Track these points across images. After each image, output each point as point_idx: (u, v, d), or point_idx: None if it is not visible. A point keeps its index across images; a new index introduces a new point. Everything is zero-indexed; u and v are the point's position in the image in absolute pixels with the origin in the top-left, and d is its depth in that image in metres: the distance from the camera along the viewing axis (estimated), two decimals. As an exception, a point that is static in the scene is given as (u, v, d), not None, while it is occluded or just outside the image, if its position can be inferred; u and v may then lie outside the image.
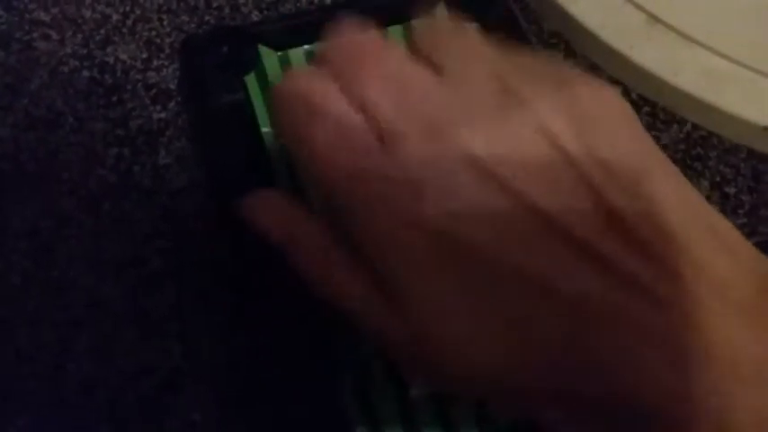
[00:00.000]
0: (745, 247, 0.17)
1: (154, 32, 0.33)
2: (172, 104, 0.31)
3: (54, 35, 0.33)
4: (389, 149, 0.17)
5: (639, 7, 0.32)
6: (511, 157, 0.17)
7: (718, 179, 0.30)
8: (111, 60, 0.32)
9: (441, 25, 0.22)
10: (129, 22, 0.33)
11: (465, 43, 0.20)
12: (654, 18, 0.32)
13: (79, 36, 0.33)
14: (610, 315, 0.15)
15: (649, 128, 0.31)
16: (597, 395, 0.16)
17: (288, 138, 0.19)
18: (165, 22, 0.33)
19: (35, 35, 0.33)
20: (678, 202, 0.17)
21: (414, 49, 0.20)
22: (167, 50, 0.32)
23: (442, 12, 0.31)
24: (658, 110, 0.31)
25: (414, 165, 0.17)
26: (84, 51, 0.32)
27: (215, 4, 0.34)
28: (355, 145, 0.18)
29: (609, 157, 0.17)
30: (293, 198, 0.20)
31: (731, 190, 0.30)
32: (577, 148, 0.17)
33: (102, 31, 0.33)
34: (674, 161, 0.30)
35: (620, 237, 0.16)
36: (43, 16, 0.33)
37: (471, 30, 0.21)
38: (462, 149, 0.17)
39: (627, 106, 0.18)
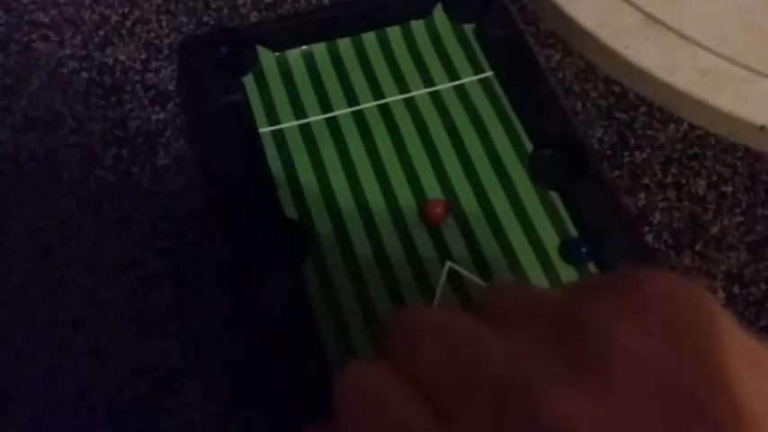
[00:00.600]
0: None
1: (152, 34, 0.33)
2: (170, 105, 0.31)
3: (53, 36, 0.33)
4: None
5: (637, 7, 0.32)
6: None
7: (715, 178, 0.30)
8: (110, 61, 0.32)
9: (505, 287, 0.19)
10: (127, 24, 0.33)
11: (528, 297, 0.18)
12: (651, 18, 0.32)
13: (78, 37, 0.33)
14: None
15: (646, 127, 0.31)
16: None
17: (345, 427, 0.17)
18: (163, 24, 0.33)
19: (34, 36, 0.33)
20: None
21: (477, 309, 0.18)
22: (166, 51, 0.33)
23: (439, 13, 0.31)
24: (655, 109, 0.31)
25: None
26: (83, 52, 0.32)
27: (213, 6, 0.34)
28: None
29: (713, 372, 0.15)
30: None
31: (728, 189, 0.30)
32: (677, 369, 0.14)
33: (101, 33, 0.33)
34: (672, 160, 0.30)
35: None
36: (42, 18, 0.33)
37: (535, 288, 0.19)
38: (561, 418, 0.14)
39: (708, 295, 0.16)
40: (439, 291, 0.25)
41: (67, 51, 0.32)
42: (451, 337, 0.17)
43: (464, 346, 0.16)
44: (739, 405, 0.15)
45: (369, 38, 0.30)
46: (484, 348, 0.16)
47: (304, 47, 0.30)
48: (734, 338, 0.16)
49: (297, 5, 0.34)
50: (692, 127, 0.31)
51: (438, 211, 0.26)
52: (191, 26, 0.33)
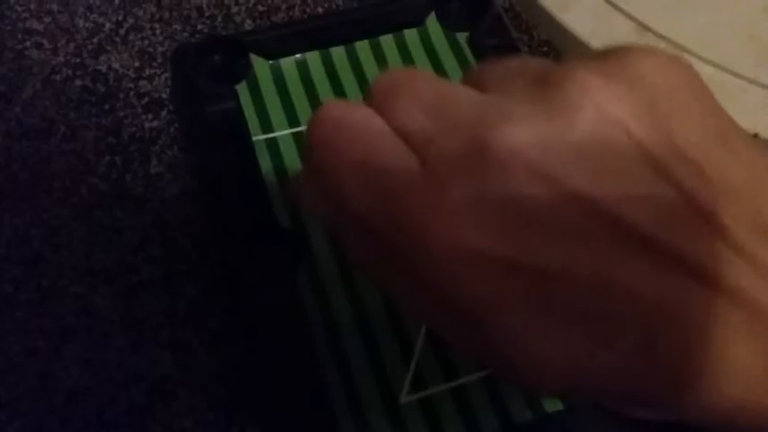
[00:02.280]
0: None
1: (146, 42, 0.33)
2: (164, 113, 0.31)
3: (47, 44, 0.33)
4: (430, 171, 0.16)
5: (629, 16, 0.32)
6: (570, 154, 0.15)
7: (707, 186, 0.30)
8: (104, 69, 0.32)
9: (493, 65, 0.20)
10: (121, 32, 0.33)
11: (508, 63, 0.19)
12: (643, 26, 0.32)
13: (72, 45, 0.33)
14: (692, 320, 0.14)
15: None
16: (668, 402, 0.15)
17: (324, 162, 0.18)
18: (157, 32, 0.33)
19: (28, 44, 0.33)
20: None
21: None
22: (160, 59, 0.33)
23: (433, 22, 0.31)
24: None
25: (459, 184, 0.15)
26: (77, 60, 0.32)
27: (207, 14, 0.34)
28: (399, 166, 0.16)
29: (688, 144, 0.15)
30: None
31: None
32: (649, 135, 0.15)
33: (95, 40, 0.33)
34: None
35: (710, 239, 0.14)
36: (36, 25, 0.33)
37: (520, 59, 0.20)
38: (508, 150, 0.15)
39: (695, 74, 0.16)
40: None
41: (61, 59, 0.32)
42: (428, 92, 0.17)
43: (439, 99, 0.17)
44: (710, 177, 0.15)
45: (362, 46, 0.30)
46: (457, 100, 0.17)
47: (298, 55, 0.30)
48: (719, 122, 0.16)
49: (291, 14, 0.34)
50: (685, 135, 0.31)
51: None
52: (185, 34, 0.33)
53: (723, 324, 0.14)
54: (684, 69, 0.16)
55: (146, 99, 0.31)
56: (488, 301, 0.15)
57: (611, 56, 0.16)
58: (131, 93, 0.32)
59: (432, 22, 0.31)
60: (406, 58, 0.30)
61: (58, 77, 0.32)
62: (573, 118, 0.15)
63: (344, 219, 0.17)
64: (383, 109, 0.17)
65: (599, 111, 0.15)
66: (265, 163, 0.27)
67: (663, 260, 0.14)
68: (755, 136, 0.30)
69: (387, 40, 0.31)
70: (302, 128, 0.28)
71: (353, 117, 0.18)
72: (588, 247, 0.15)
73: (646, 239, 0.15)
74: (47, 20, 0.34)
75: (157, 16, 0.34)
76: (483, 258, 0.15)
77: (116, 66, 0.32)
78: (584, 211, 0.15)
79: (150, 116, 0.31)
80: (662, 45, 0.32)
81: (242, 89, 0.29)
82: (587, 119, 0.15)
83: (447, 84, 0.18)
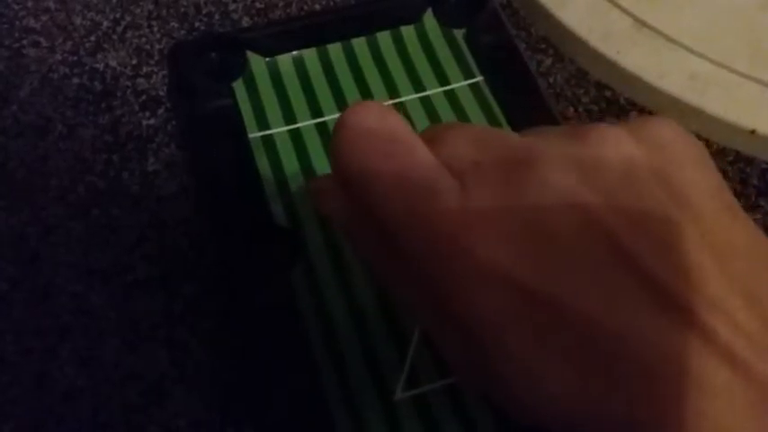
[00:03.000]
0: None
1: (144, 39, 0.33)
2: (161, 111, 0.31)
3: (44, 42, 0.33)
4: (468, 187, 0.16)
5: (626, 12, 0.32)
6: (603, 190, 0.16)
7: (705, 183, 0.30)
8: (101, 67, 0.32)
9: None
10: (119, 29, 0.33)
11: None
12: (640, 23, 0.32)
13: (69, 43, 0.33)
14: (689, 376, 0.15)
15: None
16: None
17: (352, 167, 0.18)
18: (154, 29, 0.33)
19: (25, 42, 0.33)
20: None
21: None
22: (157, 57, 0.33)
23: (430, 18, 0.31)
24: (646, 113, 0.31)
25: (493, 201, 0.16)
26: (74, 58, 0.32)
27: (205, 11, 0.34)
28: (437, 186, 0.17)
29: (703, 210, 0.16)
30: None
31: (719, 194, 0.30)
32: (673, 202, 0.16)
33: (92, 38, 0.33)
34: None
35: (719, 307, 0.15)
36: (33, 23, 0.33)
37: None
38: (548, 176, 0.16)
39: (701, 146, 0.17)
40: None
41: (58, 57, 0.32)
42: (476, 129, 0.18)
43: (486, 134, 0.18)
44: (687, 271, 0.15)
45: (359, 43, 0.30)
46: (504, 137, 0.18)
47: (294, 52, 0.30)
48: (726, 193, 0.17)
49: (288, 11, 0.34)
50: (683, 132, 0.31)
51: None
52: (182, 32, 0.33)
53: (704, 385, 0.15)
54: (697, 144, 0.17)
55: (143, 97, 0.31)
56: (496, 320, 0.16)
57: (633, 121, 0.17)
58: (128, 90, 0.31)
59: (428, 19, 0.31)
60: (403, 54, 0.30)
61: (55, 75, 0.32)
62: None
63: (366, 223, 0.18)
64: (431, 140, 0.18)
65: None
66: (262, 160, 0.27)
67: (670, 312, 0.15)
68: (753, 132, 0.30)
69: (384, 37, 0.31)
70: (299, 125, 0.28)
71: (388, 123, 0.18)
72: (604, 286, 0.15)
73: (659, 286, 0.15)
74: (44, 18, 0.34)
75: (154, 14, 0.34)
76: (501, 276, 0.15)
77: (113, 63, 0.32)
78: (610, 248, 0.15)
79: (147, 114, 0.31)
80: (659, 41, 0.32)
81: (239, 86, 0.29)
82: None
83: (494, 128, 0.19)
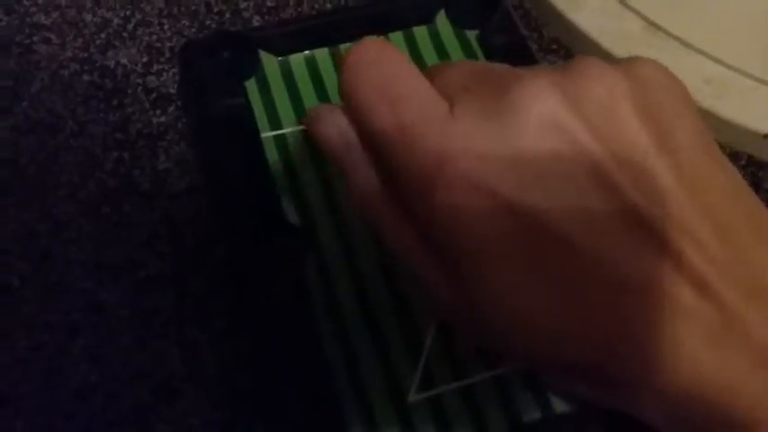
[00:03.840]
0: None
1: (155, 37, 0.33)
2: (172, 109, 0.31)
3: (54, 39, 0.33)
4: (456, 112, 0.17)
5: (639, 14, 0.32)
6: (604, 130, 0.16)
7: (717, 187, 0.30)
8: (112, 64, 0.32)
9: None
10: (129, 27, 0.33)
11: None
12: (654, 25, 0.32)
13: (80, 40, 0.33)
14: (655, 297, 0.15)
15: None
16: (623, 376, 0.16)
17: (364, 96, 0.19)
18: (165, 27, 0.33)
19: (35, 39, 0.33)
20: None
21: None
22: (168, 55, 0.32)
23: (442, 19, 0.31)
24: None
25: (482, 125, 0.17)
26: (85, 55, 0.32)
27: (216, 9, 0.34)
28: (427, 107, 0.18)
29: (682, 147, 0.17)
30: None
31: (731, 197, 0.30)
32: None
33: (103, 35, 0.33)
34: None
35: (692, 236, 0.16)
36: (44, 20, 0.33)
37: None
38: (545, 112, 0.16)
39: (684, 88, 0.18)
40: None
41: (69, 54, 0.32)
42: (469, 63, 0.21)
43: (478, 67, 0.20)
44: (658, 195, 0.16)
45: (371, 43, 0.30)
46: (492, 68, 0.19)
47: (307, 52, 0.30)
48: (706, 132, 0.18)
49: (300, 10, 0.34)
50: (695, 135, 0.31)
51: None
52: (193, 30, 0.33)
53: (674, 308, 0.15)
54: (664, 72, 0.18)
55: (154, 94, 0.31)
56: (477, 233, 0.16)
57: (571, 63, 0.18)
58: (139, 88, 0.31)
59: (441, 20, 0.31)
60: (416, 55, 0.30)
61: (65, 72, 0.32)
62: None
63: (361, 138, 0.19)
64: (430, 72, 0.19)
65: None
66: (273, 159, 0.27)
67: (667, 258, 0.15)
68: (766, 136, 0.30)
69: (396, 37, 0.31)
70: (311, 125, 0.28)
71: (394, 55, 0.19)
72: (583, 208, 0.16)
73: (636, 213, 0.16)
74: (54, 14, 0.34)
75: (165, 11, 0.34)
76: (484, 189, 0.16)
77: (124, 61, 0.32)
78: (591, 173, 0.16)
79: (158, 112, 0.31)
80: (672, 44, 0.32)
81: (250, 85, 0.29)
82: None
83: (491, 62, 0.21)
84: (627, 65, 0.18)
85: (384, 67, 0.19)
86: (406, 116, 0.18)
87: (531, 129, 0.16)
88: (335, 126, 0.21)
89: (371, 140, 0.19)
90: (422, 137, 0.17)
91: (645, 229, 0.15)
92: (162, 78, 0.32)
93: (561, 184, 0.16)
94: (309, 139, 0.28)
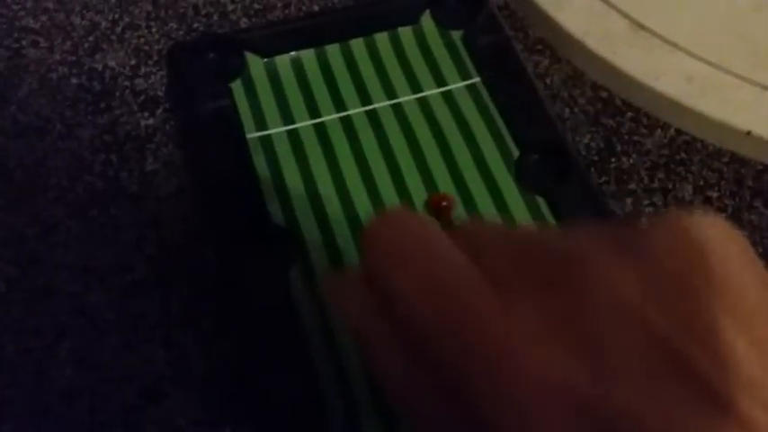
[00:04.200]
0: None
1: (142, 40, 0.33)
2: (159, 111, 0.31)
3: (43, 42, 0.33)
4: (511, 306, 0.16)
5: (623, 14, 0.32)
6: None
7: (701, 183, 0.30)
8: (100, 67, 0.32)
9: None
10: (117, 30, 0.33)
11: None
12: (637, 24, 0.32)
13: (68, 43, 0.33)
14: None
15: (633, 133, 0.31)
16: None
17: (382, 270, 0.17)
18: (153, 30, 0.34)
19: (24, 42, 0.33)
20: None
21: None
22: (156, 57, 0.33)
23: (427, 20, 0.31)
24: (642, 115, 0.31)
25: (541, 323, 0.15)
26: (73, 58, 0.32)
27: (203, 12, 0.34)
28: (470, 292, 0.16)
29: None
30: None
31: (714, 194, 0.30)
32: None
33: (91, 39, 0.33)
34: (658, 165, 0.30)
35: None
36: (32, 23, 0.33)
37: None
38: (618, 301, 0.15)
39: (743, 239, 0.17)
40: None
41: (57, 57, 0.32)
42: (517, 236, 0.18)
43: (523, 241, 0.17)
44: (728, 364, 0.15)
45: (357, 44, 0.31)
46: (541, 249, 0.17)
47: (292, 53, 0.30)
48: (740, 302, 0.16)
49: (286, 12, 0.34)
50: (679, 132, 0.31)
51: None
52: (180, 32, 0.34)
53: None
54: (739, 239, 0.17)
55: (141, 97, 0.31)
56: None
57: (674, 217, 0.16)
58: (127, 91, 0.32)
59: (426, 20, 0.31)
60: (401, 55, 0.30)
61: (54, 76, 0.32)
62: (652, 265, 0.15)
63: (387, 326, 0.17)
64: (464, 240, 0.17)
65: (675, 262, 0.15)
66: (259, 160, 0.27)
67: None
68: (749, 133, 0.30)
69: (382, 38, 0.31)
70: (296, 125, 0.28)
71: (423, 229, 0.17)
72: (655, 388, 0.15)
73: (704, 382, 0.15)
74: (43, 18, 0.34)
75: (153, 14, 0.34)
76: (559, 390, 0.15)
77: (112, 64, 0.32)
78: (665, 354, 0.15)
79: (146, 114, 0.31)
80: (655, 42, 0.32)
81: (237, 87, 0.29)
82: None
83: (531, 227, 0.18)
84: (688, 227, 0.16)
85: (415, 245, 0.17)
86: (453, 308, 0.16)
87: (604, 318, 0.15)
88: (356, 302, 0.19)
89: (408, 327, 0.17)
90: (471, 334, 0.15)
91: (712, 395, 0.15)
92: (150, 81, 0.32)
93: (636, 368, 0.15)
94: (295, 141, 0.28)
